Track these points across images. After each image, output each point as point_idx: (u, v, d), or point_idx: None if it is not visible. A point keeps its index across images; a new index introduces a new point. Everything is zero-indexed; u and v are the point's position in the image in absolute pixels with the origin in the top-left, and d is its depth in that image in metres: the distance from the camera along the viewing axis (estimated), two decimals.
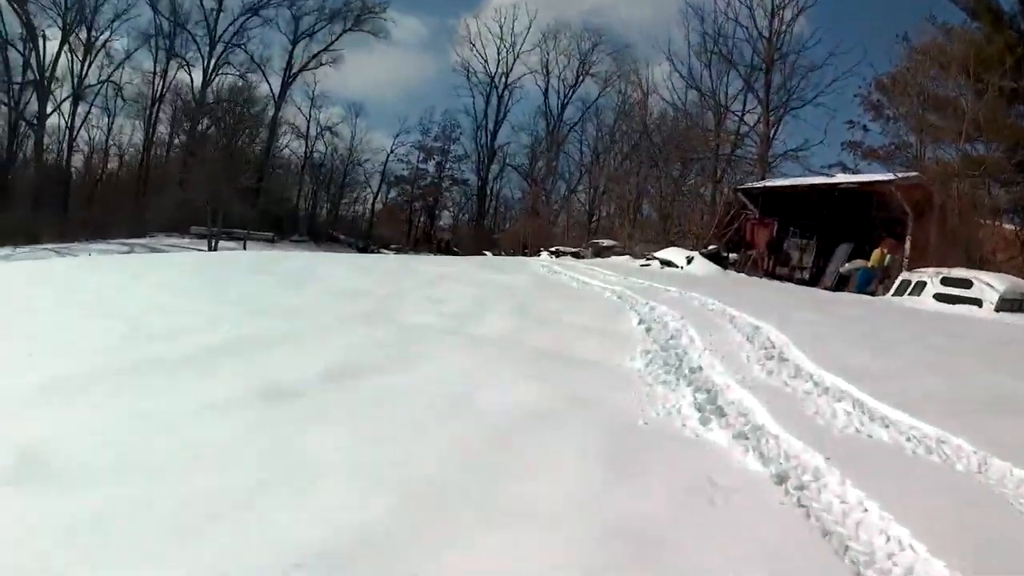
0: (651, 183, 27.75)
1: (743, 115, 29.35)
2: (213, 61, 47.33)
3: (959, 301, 11.99)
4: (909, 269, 15.29)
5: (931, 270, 13.06)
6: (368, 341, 5.99)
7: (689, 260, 16.10)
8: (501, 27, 54.45)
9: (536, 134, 53.77)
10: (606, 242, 24.39)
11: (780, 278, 18.48)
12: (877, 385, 5.01)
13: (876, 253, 16.19)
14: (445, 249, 48.90)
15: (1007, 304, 11.70)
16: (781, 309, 9.20)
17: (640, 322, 7.76)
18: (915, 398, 4.72)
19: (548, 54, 53.33)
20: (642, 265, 17.09)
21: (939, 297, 12.30)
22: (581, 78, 52.25)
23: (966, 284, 12.14)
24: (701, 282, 13.25)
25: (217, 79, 48.13)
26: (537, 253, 25.67)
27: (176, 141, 48.64)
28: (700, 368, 5.64)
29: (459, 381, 4.85)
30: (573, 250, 24.77)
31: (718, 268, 16.17)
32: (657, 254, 17.30)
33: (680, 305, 8.82)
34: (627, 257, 19.40)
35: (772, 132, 28.01)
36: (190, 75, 47.43)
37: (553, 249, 25.26)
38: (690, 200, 24.99)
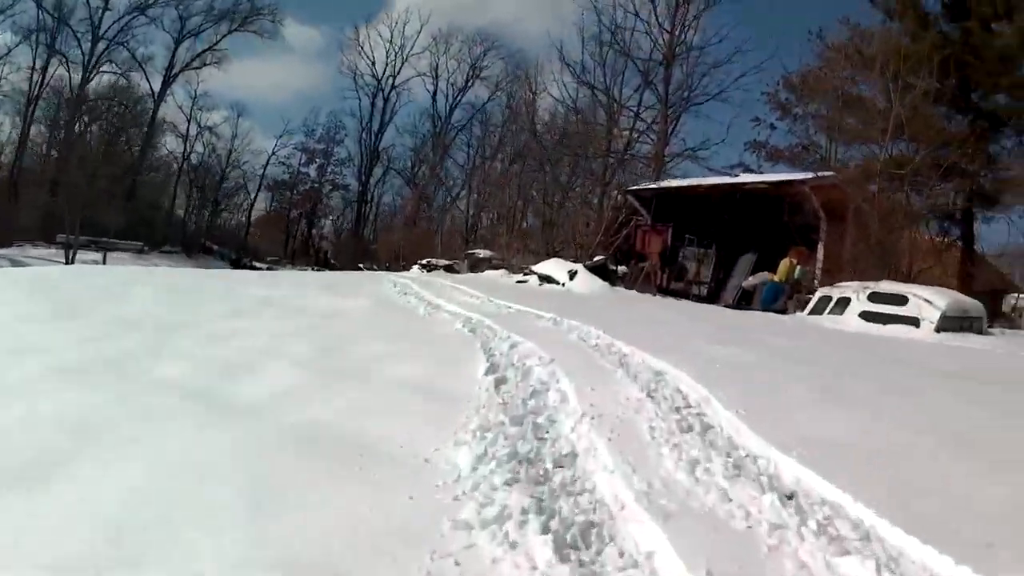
0: (536, 188, 25.17)
1: (639, 110, 27.09)
2: (95, 59, 44.04)
3: (891, 320, 9.80)
4: (823, 282, 13.17)
5: (855, 284, 10.86)
6: (54, 413, 3.88)
7: (572, 275, 13.41)
8: (392, 31, 52.52)
9: (422, 137, 51.84)
10: (483, 253, 21.56)
11: (675, 294, 16.14)
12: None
13: (783, 264, 14.01)
14: (323, 261, 46.42)
15: (949, 323, 9.57)
16: (688, 340, 6.58)
17: (490, 370, 5.06)
18: None
19: (439, 58, 51.70)
20: (518, 281, 14.29)
21: (867, 316, 10.08)
22: (471, 82, 50.64)
23: (899, 300, 9.96)
24: (585, 303, 10.60)
25: (97, 77, 44.88)
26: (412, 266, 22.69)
27: (52, 140, 44.63)
28: (573, 458, 3.37)
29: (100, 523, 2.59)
30: (447, 263, 21.85)
31: (605, 284, 13.58)
32: (536, 268, 14.55)
33: (553, 339, 6.26)
34: (503, 271, 16.54)
35: (670, 129, 26.02)
36: (69, 72, 43.49)
37: (424, 262, 22.26)
38: (577, 206, 22.51)
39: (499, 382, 4.64)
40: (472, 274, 18.37)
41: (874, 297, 10.24)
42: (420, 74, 52.44)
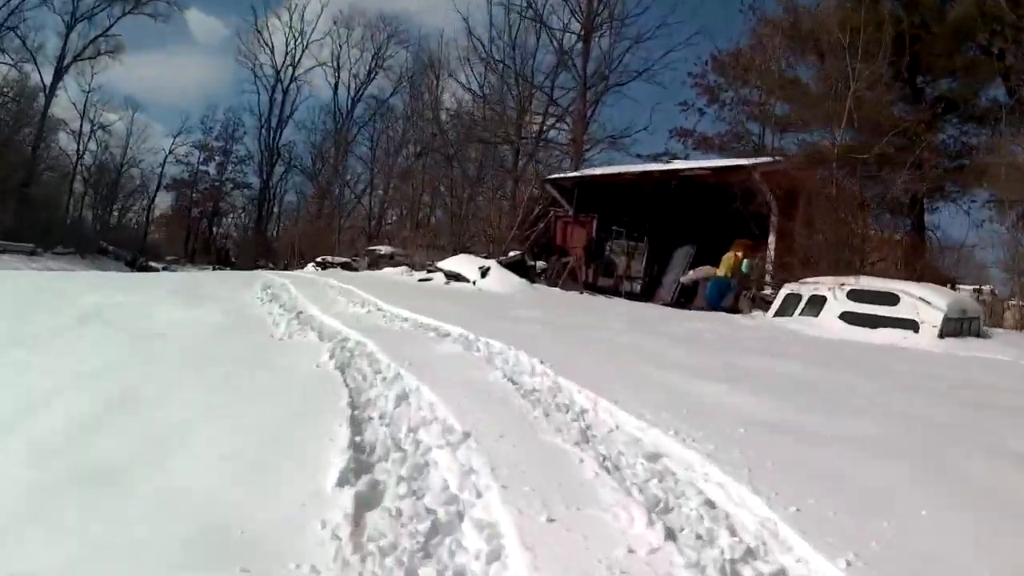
0: (443, 182, 22.73)
1: (552, 92, 24.28)
2: None
3: (882, 323, 7.92)
4: (778, 277, 11.30)
5: (828, 280, 8.97)
6: None
7: (484, 272, 11.07)
8: (291, 14, 47.48)
9: (324, 132, 48.29)
10: (384, 249, 19.01)
11: (604, 291, 14.00)
12: None
13: (728, 257, 12.08)
14: (224, 260, 43.27)
15: (952, 326, 7.76)
16: (661, 370, 4.35)
17: (351, 473, 2.50)
18: None
19: (340, 46, 47.33)
20: (421, 280, 11.84)
21: (850, 318, 8.17)
22: (374, 73, 46.47)
23: (889, 299, 8.09)
24: (502, 306, 8.33)
25: None
26: (310, 264, 20.05)
27: None
28: None
29: None
30: (345, 260, 19.24)
31: (523, 281, 11.31)
32: (442, 264, 12.13)
33: (466, 380, 3.95)
34: (404, 268, 14.04)
35: (589, 112, 23.41)
36: None
37: (320, 260, 19.63)
38: (488, 199, 20.16)
39: (364, 503, 2.21)
40: (370, 271, 15.80)
41: (856, 295, 8.35)
42: (321, 64, 48.64)
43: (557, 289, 12.36)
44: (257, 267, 27.10)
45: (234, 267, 36.28)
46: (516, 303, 9.03)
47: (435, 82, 27.99)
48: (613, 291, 14.19)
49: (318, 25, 47.49)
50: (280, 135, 49.99)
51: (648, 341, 6.27)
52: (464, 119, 25.34)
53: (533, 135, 22.93)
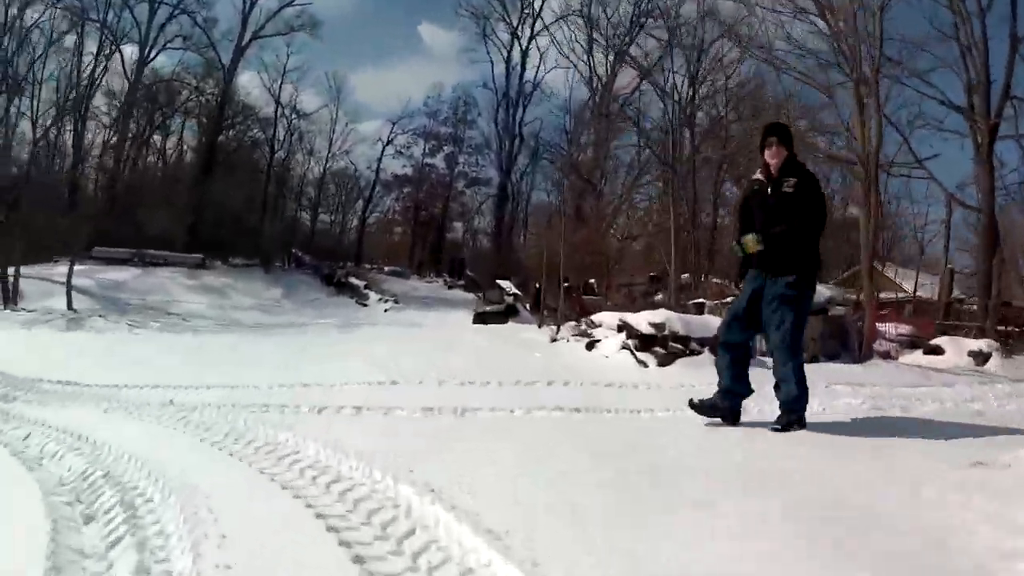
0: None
1: None
2: (154, 33, 34.64)
3: None
4: None
5: None
6: None
7: None
8: None
9: (577, 110, 37.18)
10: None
11: None
12: None
13: None
14: (458, 271, 37.03)
15: None
16: None
17: None
18: None
19: None
20: None
21: None
22: (636, 29, 33.53)
23: None
24: None
25: (156, 59, 35.62)
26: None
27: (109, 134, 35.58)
28: None
29: None
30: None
31: None
32: None
33: None
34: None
35: None
36: (121, 54, 34.44)
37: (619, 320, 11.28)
38: None
39: None
40: None
41: None
42: (565, 14, 36.91)
43: None
44: (497, 288, 22.38)
45: (474, 285, 30.89)
46: None
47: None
48: None
49: None
50: (523, 114, 39.72)
51: None
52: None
53: None
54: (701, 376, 7.79)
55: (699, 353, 9.90)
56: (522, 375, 8.45)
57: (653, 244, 23.44)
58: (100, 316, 18.93)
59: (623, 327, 10.67)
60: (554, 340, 12.67)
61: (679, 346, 9.98)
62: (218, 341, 14.57)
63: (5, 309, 19.21)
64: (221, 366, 9.75)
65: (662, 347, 9.89)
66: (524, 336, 14.13)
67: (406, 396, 6.71)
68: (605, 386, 8.09)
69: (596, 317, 13.06)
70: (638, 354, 9.72)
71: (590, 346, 10.77)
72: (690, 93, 27.75)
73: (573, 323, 14.69)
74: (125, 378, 8.26)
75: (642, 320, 10.25)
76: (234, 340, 14.77)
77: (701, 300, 16.09)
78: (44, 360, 10.21)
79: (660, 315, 10.38)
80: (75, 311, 19.87)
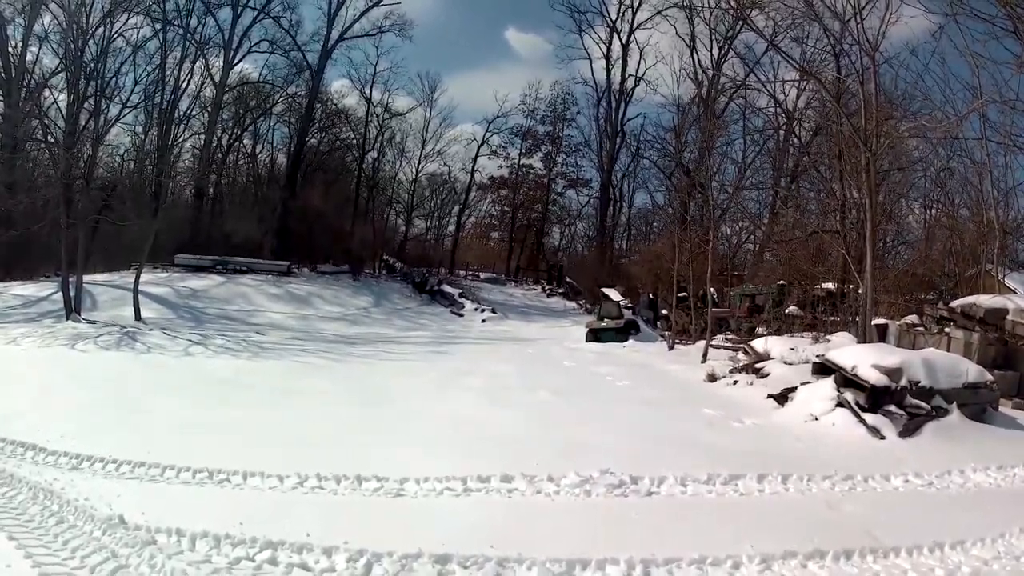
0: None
1: None
2: (238, 38, 34.53)
3: None
4: None
5: None
6: None
7: None
8: None
9: (680, 107, 34.42)
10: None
11: None
12: None
13: None
14: (557, 277, 36.43)
15: None
16: None
17: None
18: None
19: None
20: None
21: None
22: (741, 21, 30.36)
23: None
24: None
25: (241, 65, 35.31)
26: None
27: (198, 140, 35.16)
28: None
29: None
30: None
31: None
32: None
33: None
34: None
35: None
36: (206, 60, 34.02)
37: (821, 359, 9.24)
38: None
39: None
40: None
41: None
42: (666, 7, 34.03)
43: None
44: (603, 296, 20.58)
45: (575, 292, 31.32)
46: None
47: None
48: None
49: None
50: (625, 110, 37.37)
51: None
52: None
53: None
54: (969, 453, 5.22)
55: (946, 413, 6.77)
56: (716, 461, 5.98)
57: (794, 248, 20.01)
58: (164, 330, 17.62)
59: (825, 368, 7.59)
60: (713, 379, 9.71)
61: (922, 404, 6.84)
62: (280, 369, 12.80)
63: (68, 320, 18.10)
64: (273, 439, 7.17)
65: (898, 405, 6.78)
66: (676, 375, 11.37)
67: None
68: (843, 480, 5.19)
69: (760, 345, 10.07)
70: (866, 417, 6.68)
71: (781, 399, 7.76)
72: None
73: (720, 344, 11.61)
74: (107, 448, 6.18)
75: (864, 361, 7.13)
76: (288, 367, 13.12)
77: (884, 321, 12.56)
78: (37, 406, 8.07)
79: (891, 354, 7.26)
80: (143, 322, 18.93)
